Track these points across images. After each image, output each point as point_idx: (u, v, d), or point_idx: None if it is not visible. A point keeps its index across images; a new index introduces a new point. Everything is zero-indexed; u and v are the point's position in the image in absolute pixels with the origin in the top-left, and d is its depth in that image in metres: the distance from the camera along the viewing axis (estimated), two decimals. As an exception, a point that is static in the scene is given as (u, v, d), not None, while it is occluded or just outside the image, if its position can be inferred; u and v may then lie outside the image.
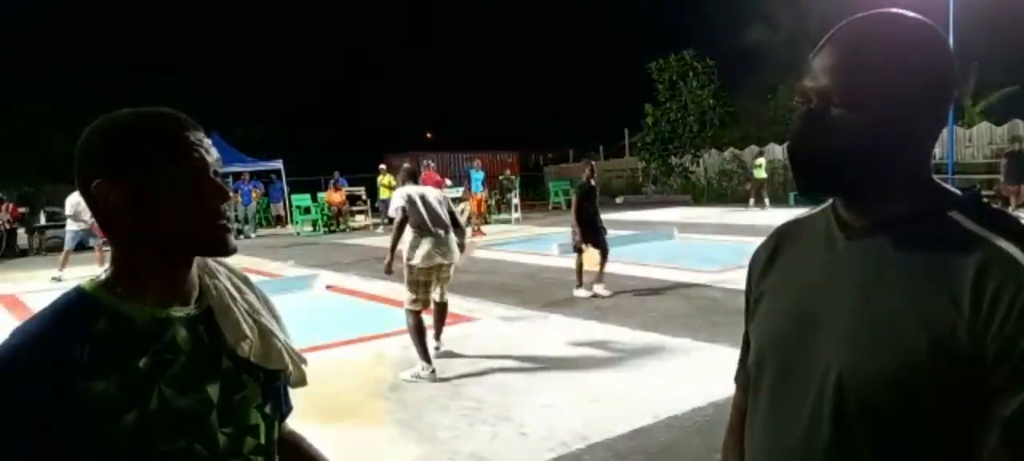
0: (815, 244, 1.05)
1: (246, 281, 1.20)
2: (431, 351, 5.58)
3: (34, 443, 0.90)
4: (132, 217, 1.00)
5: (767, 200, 19.81)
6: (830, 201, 1.06)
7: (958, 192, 0.98)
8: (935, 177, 0.99)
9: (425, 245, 5.47)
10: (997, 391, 0.85)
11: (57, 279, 11.22)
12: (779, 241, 1.15)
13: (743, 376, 1.19)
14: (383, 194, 19.17)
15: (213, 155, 1.05)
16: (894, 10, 0.97)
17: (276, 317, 1.22)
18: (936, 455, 0.90)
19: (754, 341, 1.13)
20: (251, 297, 1.17)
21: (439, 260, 5.53)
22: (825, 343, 0.97)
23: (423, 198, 5.58)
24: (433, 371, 5.31)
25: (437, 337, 5.92)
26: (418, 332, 5.41)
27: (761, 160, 20.47)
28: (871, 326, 0.93)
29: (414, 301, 5.49)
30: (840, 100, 0.94)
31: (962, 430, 0.88)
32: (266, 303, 1.21)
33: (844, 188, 1.00)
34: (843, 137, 0.94)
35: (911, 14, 0.96)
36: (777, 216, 1.07)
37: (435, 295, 5.72)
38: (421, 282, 5.51)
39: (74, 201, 11.64)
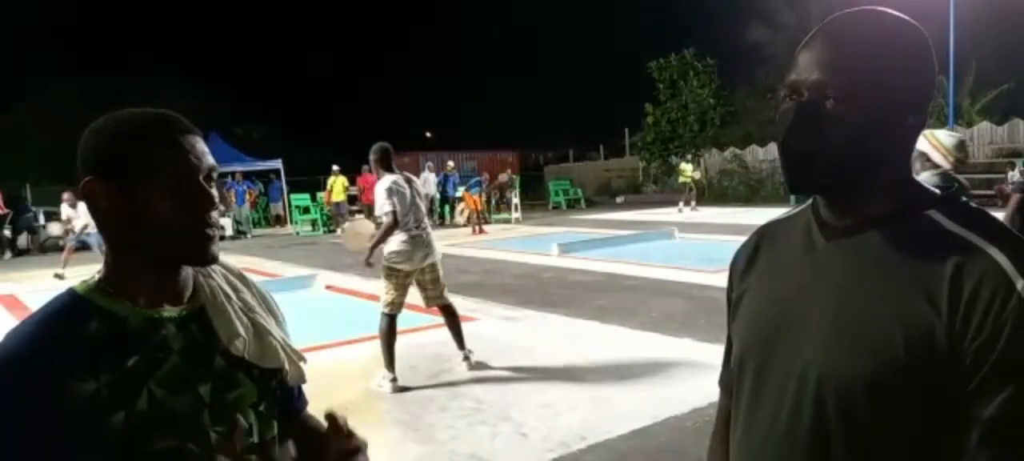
0: (795, 244, 1.04)
1: (243, 279, 1.19)
2: (461, 365, 5.38)
3: (26, 446, 0.90)
4: (119, 219, 1.00)
5: (694, 203, 20.42)
6: (810, 201, 1.05)
7: (937, 191, 0.98)
8: (914, 177, 0.99)
9: (405, 243, 5.16)
10: (976, 392, 0.85)
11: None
12: (760, 241, 1.14)
13: (726, 378, 1.19)
14: (337, 196, 19.05)
15: (206, 161, 1.03)
16: (880, 8, 0.95)
17: (275, 314, 1.21)
18: (914, 455, 0.90)
19: (735, 342, 1.12)
20: (247, 295, 1.16)
21: (420, 262, 5.23)
22: (804, 343, 0.97)
23: (409, 184, 5.27)
24: (395, 379, 5.11)
25: (461, 346, 5.44)
26: (389, 336, 5.17)
27: (685, 165, 21.05)
28: (849, 327, 0.92)
29: (390, 303, 5.20)
30: (835, 94, 0.92)
31: (940, 430, 0.88)
32: (264, 301, 1.21)
33: (836, 185, 0.98)
34: (835, 133, 0.92)
35: (896, 13, 0.95)
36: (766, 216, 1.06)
37: (432, 299, 5.42)
38: (401, 284, 5.21)
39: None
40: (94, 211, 1.02)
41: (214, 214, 1.04)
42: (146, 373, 0.98)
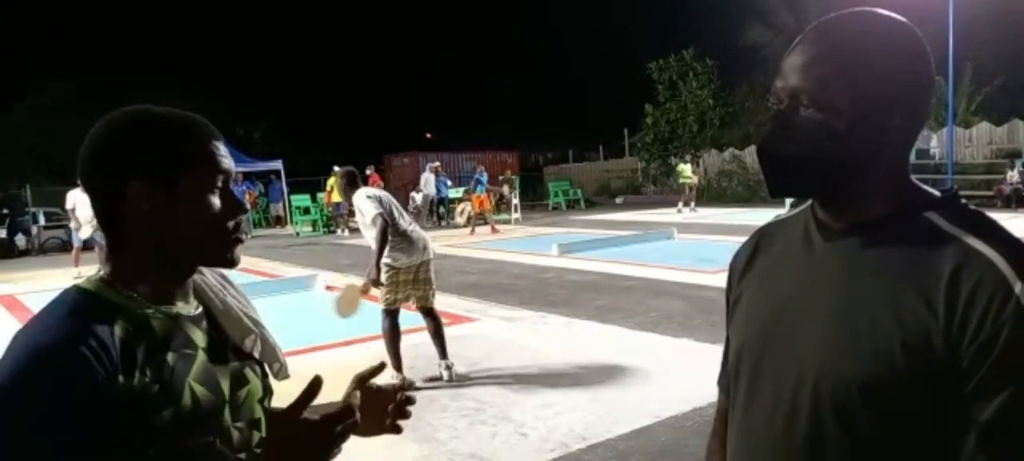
0: (794, 245, 1.04)
1: (225, 278, 1.19)
2: (442, 373, 5.32)
3: (79, 446, 0.86)
4: (153, 218, 0.98)
5: (693, 204, 20.43)
6: (810, 202, 1.05)
7: (936, 193, 0.97)
8: (913, 177, 0.98)
9: (400, 240, 5.20)
10: (973, 395, 0.85)
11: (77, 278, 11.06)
12: (759, 242, 1.14)
13: (724, 379, 1.19)
14: (337, 197, 19.00)
15: (233, 165, 1.05)
16: (869, 9, 0.95)
17: (256, 312, 1.22)
18: (911, 457, 0.90)
19: (733, 343, 1.12)
20: (234, 293, 1.17)
21: (419, 258, 5.26)
22: (801, 345, 0.96)
23: (388, 197, 5.36)
24: (403, 380, 5.10)
25: (442, 355, 5.35)
26: (392, 335, 5.19)
27: (684, 166, 21.17)
28: (846, 328, 0.92)
29: (392, 302, 5.23)
30: (809, 100, 0.93)
31: (937, 432, 0.88)
32: (247, 300, 1.22)
33: (814, 189, 0.99)
34: (811, 138, 0.93)
35: (886, 13, 0.95)
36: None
37: (419, 300, 5.37)
38: (397, 281, 5.23)
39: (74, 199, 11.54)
40: (128, 212, 0.98)
41: (242, 218, 1.05)
42: (184, 371, 0.98)
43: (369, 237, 5.26)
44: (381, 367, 1.22)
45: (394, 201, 5.41)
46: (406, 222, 5.31)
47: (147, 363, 0.93)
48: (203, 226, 1.00)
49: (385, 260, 5.20)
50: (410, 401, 1.26)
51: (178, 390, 0.96)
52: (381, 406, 1.25)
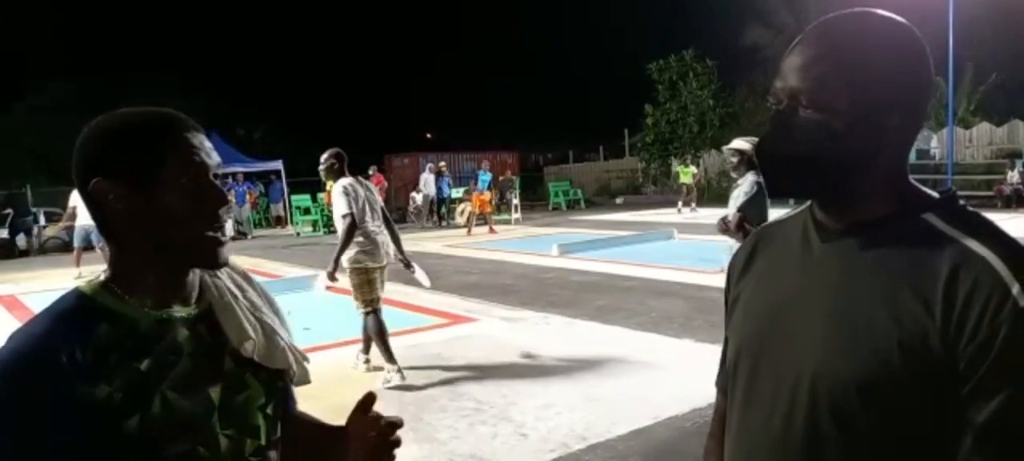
0: (792, 245, 1.04)
1: (247, 278, 1.18)
2: (361, 366, 5.52)
3: (39, 450, 0.89)
4: (130, 218, 0.99)
5: (694, 204, 20.46)
6: (809, 203, 1.05)
7: (934, 194, 0.97)
8: (912, 179, 0.98)
9: (367, 241, 5.28)
10: (970, 396, 0.85)
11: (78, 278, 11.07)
12: (758, 242, 1.14)
13: (722, 379, 1.18)
14: None
15: (213, 158, 1.03)
16: (868, 9, 0.95)
17: (278, 314, 1.21)
18: (907, 458, 0.90)
19: (731, 343, 1.12)
20: (252, 295, 1.15)
21: (382, 260, 5.35)
22: (799, 345, 0.96)
23: (365, 187, 5.40)
24: (400, 370, 5.23)
25: (366, 351, 5.58)
26: (380, 332, 5.29)
27: (688, 168, 21.26)
28: (844, 329, 0.92)
29: (367, 301, 5.29)
30: (808, 101, 0.93)
31: (934, 433, 0.88)
32: (268, 300, 1.20)
33: (813, 190, 0.99)
34: (810, 139, 0.93)
35: (886, 13, 0.95)
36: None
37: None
38: (370, 280, 5.29)
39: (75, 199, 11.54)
40: (103, 212, 0.99)
41: (223, 212, 1.03)
42: (159, 376, 0.97)
43: (339, 230, 5.37)
44: (373, 398, 1.23)
45: (375, 199, 5.46)
46: (375, 224, 5.37)
47: (118, 370, 0.94)
48: (180, 222, 0.99)
49: (354, 264, 5.28)
50: (396, 443, 1.22)
51: (147, 397, 0.95)
52: (373, 439, 1.20)
